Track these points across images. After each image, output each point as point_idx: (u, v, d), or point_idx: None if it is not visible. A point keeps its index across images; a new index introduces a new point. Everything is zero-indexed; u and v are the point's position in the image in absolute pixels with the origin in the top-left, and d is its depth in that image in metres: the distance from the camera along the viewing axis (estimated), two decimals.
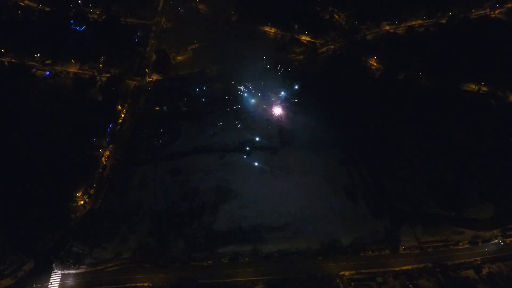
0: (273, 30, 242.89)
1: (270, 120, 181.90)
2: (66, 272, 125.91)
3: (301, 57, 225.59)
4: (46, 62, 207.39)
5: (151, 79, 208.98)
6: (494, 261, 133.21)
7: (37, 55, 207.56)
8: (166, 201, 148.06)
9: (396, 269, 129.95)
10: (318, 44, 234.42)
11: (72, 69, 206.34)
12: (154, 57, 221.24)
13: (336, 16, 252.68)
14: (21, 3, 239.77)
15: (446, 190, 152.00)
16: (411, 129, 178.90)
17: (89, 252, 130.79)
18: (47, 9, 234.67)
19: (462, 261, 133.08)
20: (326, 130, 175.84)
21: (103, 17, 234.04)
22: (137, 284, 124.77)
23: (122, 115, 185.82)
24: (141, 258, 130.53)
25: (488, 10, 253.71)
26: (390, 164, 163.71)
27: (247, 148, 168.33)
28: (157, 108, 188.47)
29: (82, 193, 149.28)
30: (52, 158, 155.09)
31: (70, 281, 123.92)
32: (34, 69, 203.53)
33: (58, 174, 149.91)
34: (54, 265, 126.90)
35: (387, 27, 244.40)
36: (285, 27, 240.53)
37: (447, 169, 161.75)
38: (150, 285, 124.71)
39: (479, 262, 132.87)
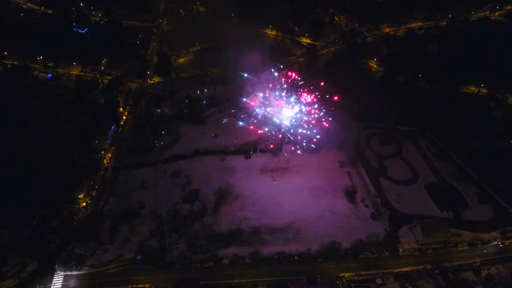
0: (273, 32, 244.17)
1: (271, 122, 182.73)
2: (68, 273, 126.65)
3: (301, 59, 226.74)
4: (48, 64, 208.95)
5: (152, 81, 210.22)
6: (493, 263, 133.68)
7: (40, 57, 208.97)
8: (167, 203, 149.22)
9: (396, 270, 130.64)
10: (318, 46, 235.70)
11: (74, 72, 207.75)
12: (155, 59, 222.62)
13: (337, 19, 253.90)
14: (23, 6, 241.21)
15: (445, 192, 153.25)
16: (410, 131, 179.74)
17: (91, 253, 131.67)
18: (49, 11, 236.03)
19: (461, 263, 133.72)
20: (326, 132, 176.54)
21: (105, 20, 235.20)
22: (139, 286, 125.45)
23: (124, 117, 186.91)
24: (142, 260, 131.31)
25: (488, 13, 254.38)
26: (390, 166, 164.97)
27: (248, 150, 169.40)
28: (158, 110, 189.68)
29: (84, 195, 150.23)
30: (54, 160, 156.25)
31: (73, 283, 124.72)
32: (37, 72, 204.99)
33: (60, 176, 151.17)
34: (56, 266, 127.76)
35: (387, 30, 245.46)
36: (286, 29, 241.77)
37: (446, 171, 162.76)
38: (152, 286, 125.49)
39: (478, 264, 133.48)
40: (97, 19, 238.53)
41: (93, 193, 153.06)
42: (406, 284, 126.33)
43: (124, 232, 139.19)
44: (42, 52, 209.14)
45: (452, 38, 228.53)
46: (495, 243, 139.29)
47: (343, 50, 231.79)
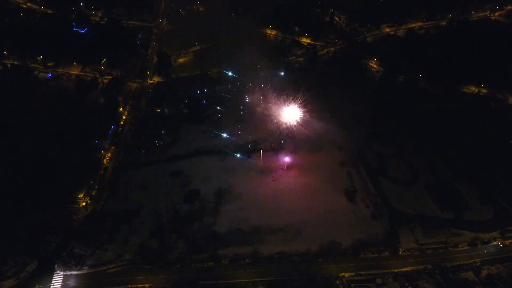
0: (273, 32, 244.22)
1: (271, 121, 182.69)
2: (68, 273, 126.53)
3: (301, 59, 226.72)
4: (48, 64, 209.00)
5: (152, 81, 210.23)
6: (493, 263, 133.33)
7: (40, 57, 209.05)
8: (167, 202, 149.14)
9: (396, 270, 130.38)
10: (318, 46, 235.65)
11: (74, 71, 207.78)
12: (155, 59, 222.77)
13: (337, 18, 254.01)
14: (23, 6, 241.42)
15: (445, 192, 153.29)
16: (410, 131, 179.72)
17: (91, 253, 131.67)
18: (49, 11, 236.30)
19: (461, 263, 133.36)
20: (326, 132, 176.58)
21: (105, 20, 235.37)
22: (138, 285, 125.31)
23: (124, 117, 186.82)
24: (142, 260, 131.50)
25: (488, 13, 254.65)
26: (390, 166, 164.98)
27: (248, 150, 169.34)
28: (158, 110, 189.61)
29: (84, 194, 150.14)
30: (54, 160, 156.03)
31: (72, 282, 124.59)
32: (37, 71, 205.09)
33: (60, 176, 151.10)
34: (56, 266, 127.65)
35: (387, 29, 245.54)
36: (286, 29, 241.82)
37: (446, 171, 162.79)
38: (152, 286, 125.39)
39: (478, 264, 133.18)
40: (97, 19, 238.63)
41: (93, 193, 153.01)
42: (406, 284, 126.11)
43: (124, 232, 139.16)
44: (42, 52, 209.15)
45: (452, 38, 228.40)
46: (495, 243, 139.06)
47: (343, 50, 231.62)
